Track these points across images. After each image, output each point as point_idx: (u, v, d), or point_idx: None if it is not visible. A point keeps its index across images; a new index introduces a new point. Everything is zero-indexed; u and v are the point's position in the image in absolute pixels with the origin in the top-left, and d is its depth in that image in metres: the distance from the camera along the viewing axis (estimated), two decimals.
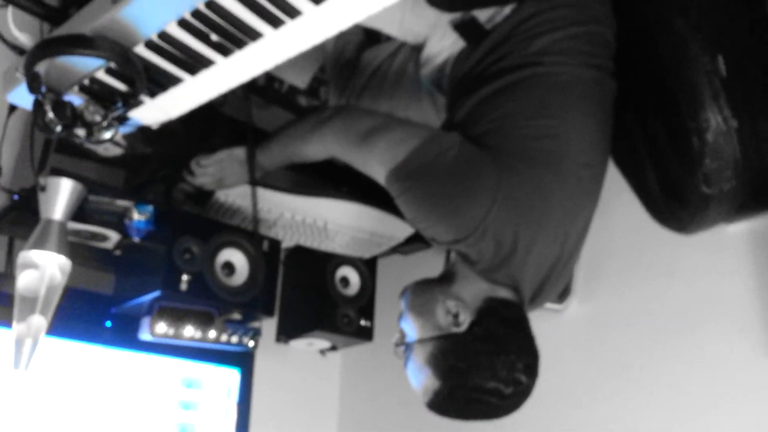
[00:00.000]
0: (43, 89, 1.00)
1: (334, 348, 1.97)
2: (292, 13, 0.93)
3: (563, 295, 1.75)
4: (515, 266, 1.22)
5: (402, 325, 1.27)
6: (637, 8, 1.31)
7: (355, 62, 1.62)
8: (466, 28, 1.32)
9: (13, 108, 1.42)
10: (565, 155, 1.24)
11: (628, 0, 1.32)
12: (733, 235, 1.56)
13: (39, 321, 1.26)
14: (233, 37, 0.97)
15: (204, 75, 1.05)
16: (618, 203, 1.58)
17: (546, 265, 1.25)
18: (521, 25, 1.27)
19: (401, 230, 1.78)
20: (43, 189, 1.32)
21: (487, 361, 1.16)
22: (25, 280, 1.26)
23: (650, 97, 1.32)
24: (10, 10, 1.04)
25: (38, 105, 1.01)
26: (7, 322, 1.26)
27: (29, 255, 1.26)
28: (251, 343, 1.54)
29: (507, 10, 1.29)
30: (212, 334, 1.49)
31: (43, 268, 1.27)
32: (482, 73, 1.29)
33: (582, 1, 1.30)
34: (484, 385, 1.15)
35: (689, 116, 1.20)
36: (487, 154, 1.21)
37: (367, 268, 1.93)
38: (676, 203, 1.33)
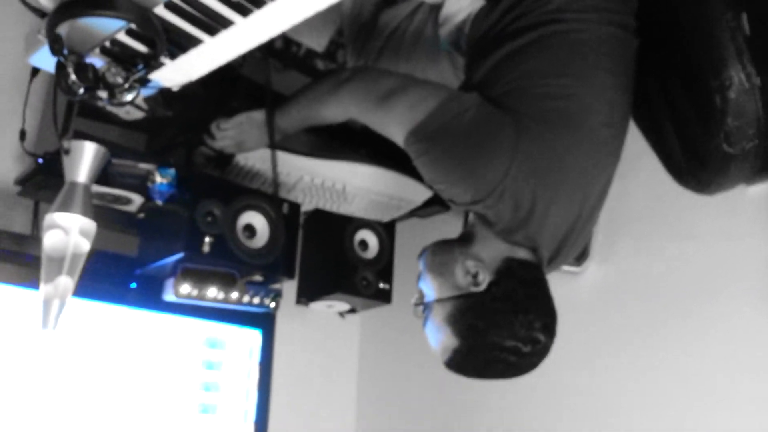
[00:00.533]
0: (65, 51, 1.00)
1: (353, 310, 1.99)
2: None
3: (581, 257, 1.75)
4: (533, 227, 1.22)
5: (420, 285, 1.28)
6: None
7: (373, 23, 1.61)
8: None
9: (35, 72, 1.43)
10: (585, 115, 1.23)
11: None
12: (754, 197, 1.54)
13: (66, 282, 1.29)
14: None
15: (223, 35, 1.05)
16: (638, 164, 1.56)
17: (564, 227, 1.26)
18: None
19: (419, 193, 1.79)
20: (67, 152, 1.33)
21: (505, 319, 1.17)
22: (51, 242, 1.28)
23: (672, 55, 1.30)
24: None
25: (61, 67, 1.01)
26: (35, 284, 1.29)
27: (54, 217, 1.29)
28: (272, 305, 1.57)
29: None
30: (234, 295, 1.52)
31: (69, 230, 1.29)
32: (501, 33, 1.28)
33: None
34: (503, 343, 1.17)
35: (711, 74, 1.18)
36: (505, 114, 1.20)
37: (386, 231, 1.94)
38: (697, 163, 1.31)
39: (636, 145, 1.45)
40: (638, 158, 1.51)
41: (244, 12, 1.00)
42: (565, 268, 1.73)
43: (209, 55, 1.10)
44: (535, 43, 1.25)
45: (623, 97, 1.30)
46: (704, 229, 1.63)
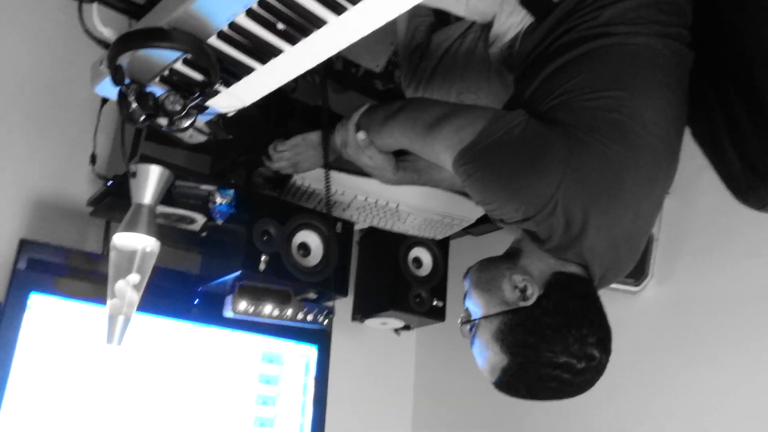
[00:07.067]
0: (127, 81, 1.06)
1: (407, 327, 2.00)
2: None
3: (640, 276, 1.70)
4: (586, 244, 1.19)
5: (467, 304, 1.26)
6: None
7: (426, 44, 1.63)
8: (533, 3, 1.30)
9: (105, 99, 1.52)
10: (639, 128, 1.19)
11: None
12: None
13: (131, 298, 1.35)
14: (298, 24, 1.00)
15: (274, 63, 1.09)
16: (698, 180, 1.52)
17: (616, 243, 1.22)
18: None
19: (472, 211, 1.79)
20: (134, 175, 1.40)
21: (557, 334, 1.13)
22: (117, 261, 1.35)
23: (728, 69, 1.27)
24: (95, 6, 1.11)
25: (122, 96, 1.07)
26: (104, 300, 1.36)
27: (121, 237, 1.36)
28: (325, 322, 1.60)
29: None
30: (289, 312, 1.55)
31: (135, 249, 1.36)
32: (548, 48, 1.27)
33: None
34: (555, 359, 1.13)
35: None
36: (555, 128, 1.18)
37: (439, 248, 1.94)
38: (758, 180, 1.27)
39: (696, 161, 1.41)
40: (699, 173, 1.47)
41: (291, 40, 1.04)
42: (624, 287, 1.69)
43: (261, 81, 1.15)
44: (585, 56, 1.23)
45: (678, 111, 1.26)
46: (767, 246, 1.56)
